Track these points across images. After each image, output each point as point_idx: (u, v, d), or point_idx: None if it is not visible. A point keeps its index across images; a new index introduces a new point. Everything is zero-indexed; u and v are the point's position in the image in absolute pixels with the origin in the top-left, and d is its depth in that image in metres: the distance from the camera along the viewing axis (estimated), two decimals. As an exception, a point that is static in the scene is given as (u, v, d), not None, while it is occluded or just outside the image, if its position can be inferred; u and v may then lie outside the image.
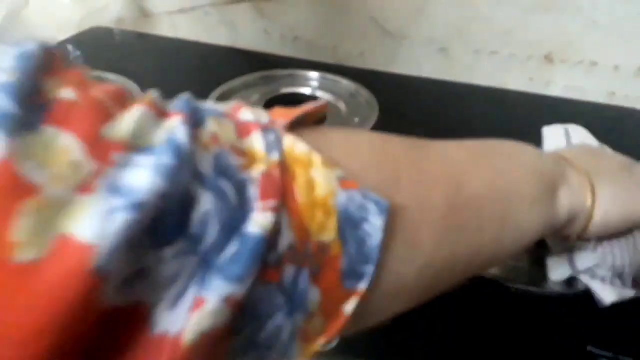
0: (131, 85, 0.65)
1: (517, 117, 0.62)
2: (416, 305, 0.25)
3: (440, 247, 0.24)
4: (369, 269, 0.19)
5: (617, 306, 0.36)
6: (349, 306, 0.20)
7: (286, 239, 0.17)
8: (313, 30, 0.79)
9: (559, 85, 0.71)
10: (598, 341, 0.34)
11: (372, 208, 0.19)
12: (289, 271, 0.18)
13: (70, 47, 0.78)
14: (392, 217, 0.20)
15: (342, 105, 0.64)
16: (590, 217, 0.31)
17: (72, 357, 0.14)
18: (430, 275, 0.24)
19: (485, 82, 0.69)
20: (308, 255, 0.18)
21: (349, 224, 0.19)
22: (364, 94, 0.65)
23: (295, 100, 0.61)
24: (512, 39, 0.70)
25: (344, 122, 0.60)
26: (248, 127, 0.19)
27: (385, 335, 0.37)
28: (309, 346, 0.20)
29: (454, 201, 0.24)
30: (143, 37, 0.86)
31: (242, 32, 0.84)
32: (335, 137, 0.23)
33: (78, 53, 0.77)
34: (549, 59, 0.70)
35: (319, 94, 0.66)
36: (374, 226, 0.19)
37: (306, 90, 0.67)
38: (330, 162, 0.19)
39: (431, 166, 0.25)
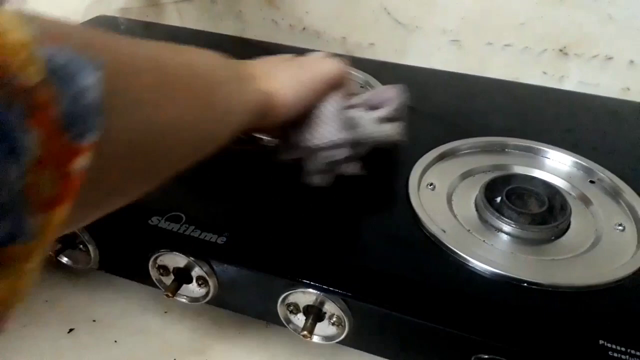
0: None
1: (530, 110, 0.61)
2: (149, 186, 0.29)
3: (155, 108, 0.26)
4: (92, 121, 0.20)
5: (629, 299, 0.37)
6: (79, 162, 0.19)
7: None
8: (322, 20, 0.78)
9: (573, 79, 0.69)
10: (610, 335, 0.33)
11: (84, 63, 0.20)
12: None
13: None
14: (108, 77, 0.21)
15: (351, 97, 0.63)
16: (275, 101, 0.38)
17: None
18: (153, 140, 0.26)
19: (498, 75, 0.68)
20: (11, 92, 0.17)
21: (59, 72, 0.19)
22: (374, 85, 0.63)
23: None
24: (526, 32, 0.68)
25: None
26: None
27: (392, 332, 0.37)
28: (48, 218, 0.19)
29: (159, 72, 0.28)
30: (149, 26, 0.85)
31: (250, 22, 0.83)
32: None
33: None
34: (563, 52, 0.68)
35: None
36: (90, 79, 0.20)
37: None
38: (25, 16, 0.19)
39: (133, 46, 0.28)
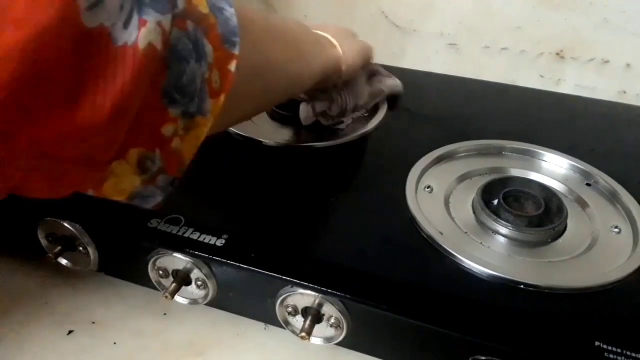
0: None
1: (527, 113, 0.61)
2: (262, 107, 0.43)
3: (268, 47, 0.35)
4: (237, 39, 0.28)
5: (625, 301, 0.37)
6: (232, 65, 0.28)
7: (181, 1, 0.25)
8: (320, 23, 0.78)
9: (569, 82, 0.70)
10: (606, 336, 0.34)
11: (224, 2, 0.29)
12: (190, 25, 0.26)
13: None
14: (238, 15, 0.29)
15: (349, 99, 0.63)
16: (344, 65, 0.46)
17: (53, 72, 0.20)
18: (263, 69, 0.35)
19: (494, 78, 0.68)
20: (197, 18, 0.26)
21: (215, 7, 0.28)
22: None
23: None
24: (522, 35, 0.69)
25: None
26: None
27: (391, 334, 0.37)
28: (215, 102, 0.28)
29: (266, 22, 0.36)
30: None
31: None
32: None
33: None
34: (560, 56, 0.69)
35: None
36: (230, 12, 0.28)
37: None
38: None
39: (255, 16, 0.35)
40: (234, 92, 0.29)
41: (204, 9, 0.27)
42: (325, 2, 0.76)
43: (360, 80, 0.53)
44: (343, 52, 0.47)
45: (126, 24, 0.22)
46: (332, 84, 0.49)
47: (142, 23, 0.23)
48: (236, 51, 0.28)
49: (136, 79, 0.22)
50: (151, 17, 0.23)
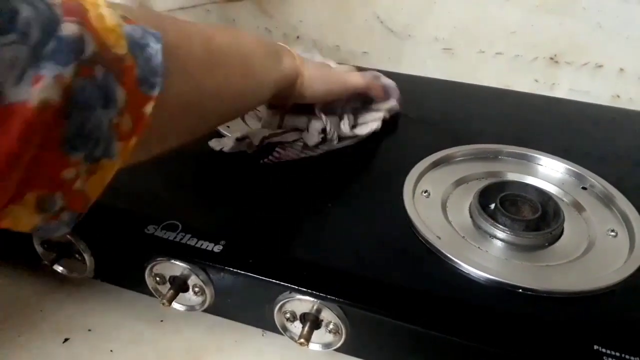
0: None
1: (522, 117, 0.61)
2: (196, 133, 0.38)
3: (204, 77, 0.34)
4: (158, 79, 0.27)
5: (622, 304, 0.37)
6: (148, 108, 0.27)
7: (90, 47, 0.24)
8: (316, 29, 0.79)
9: (563, 86, 0.70)
10: (604, 340, 0.34)
11: (151, 37, 0.28)
12: (99, 71, 0.25)
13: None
14: (166, 48, 0.28)
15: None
16: (302, 80, 0.46)
17: None
18: (202, 99, 0.34)
19: (489, 83, 0.68)
20: (110, 62, 0.25)
21: (136, 45, 0.27)
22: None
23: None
24: (517, 40, 0.69)
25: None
26: None
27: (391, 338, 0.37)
28: (125, 144, 0.27)
29: (207, 47, 0.35)
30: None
31: (244, 30, 0.83)
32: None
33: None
34: (554, 60, 0.69)
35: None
36: (155, 49, 0.27)
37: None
38: (112, 5, 0.27)
39: (187, 25, 0.35)
40: (156, 130, 0.29)
41: (120, 49, 0.26)
42: (320, 8, 0.76)
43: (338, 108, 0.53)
44: (308, 73, 0.46)
45: (18, 81, 0.22)
46: (291, 101, 0.48)
47: (36, 79, 0.22)
48: (155, 92, 0.27)
49: (24, 138, 0.22)
50: (48, 72, 0.22)
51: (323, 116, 0.51)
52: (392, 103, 0.58)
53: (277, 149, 0.50)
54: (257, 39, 0.42)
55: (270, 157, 0.49)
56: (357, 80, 0.52)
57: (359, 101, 0.56)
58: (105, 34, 0.25)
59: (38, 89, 0.22)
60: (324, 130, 0.51)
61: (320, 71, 0.48)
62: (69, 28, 0.23)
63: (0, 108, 0.21)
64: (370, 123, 0.55)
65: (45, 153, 0.24)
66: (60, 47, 0.23)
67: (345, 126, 0.53)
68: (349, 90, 0.52)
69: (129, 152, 0.28)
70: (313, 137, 0.51)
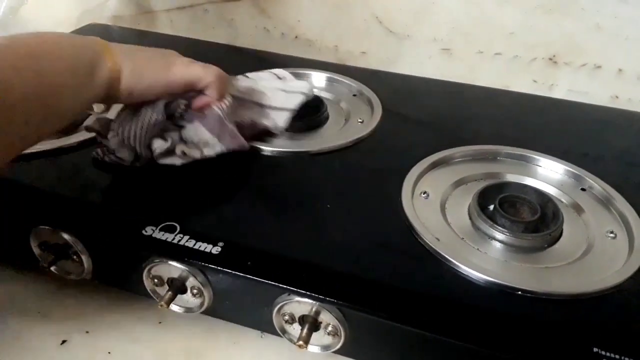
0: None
1: (521, 118, 0.61)
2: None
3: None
4: None
5: (622, 306, 0.37)
6: None
7: None
8: (314, 29, 0.78)
9: (562, 87, 0.70)
10: (603, 342, 0.34)
11: None
12: None
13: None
14: None
15: (344, 105, 0.63)
16: (119, 84, 0.42)
17: None
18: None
19: (488, 83, 0.68)
20: None
21: None
22: (366, 93, 0.64)
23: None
24: (516, 41, 0.69)
25: (345, 122, 0.59)
26: None
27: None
28: None
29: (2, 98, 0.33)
30: (141, 34, 0.85)
31: (242, 30, 0.83)
32: None
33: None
34: (552, 61, 0.69)
35: (321, 93, 0.65)
36: None
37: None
38: None
39: None
40: None
41: None
42: (319, 8, 0.76)
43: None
44: (126, 76, 0.42)
45: None
46: (111, 104, 0.46)
47: None
48: None
49: None
50: None
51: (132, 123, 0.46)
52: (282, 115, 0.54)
53: (97, 149, 0.48)
54: (68, 59, 0.39)
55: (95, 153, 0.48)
56: (185, 72, 0.46)
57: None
58: None
59: None
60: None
61: (139, 68, 0.44)
62: None
63: None
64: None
65: None
66: None
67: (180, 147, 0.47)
68: (173, 87, 0.46)
69: None
70: (119, 150, 0.46)
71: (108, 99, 0.43)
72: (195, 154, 0.47)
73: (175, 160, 0.47)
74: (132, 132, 0.45)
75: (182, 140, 0.48)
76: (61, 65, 0.38)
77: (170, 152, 0.47)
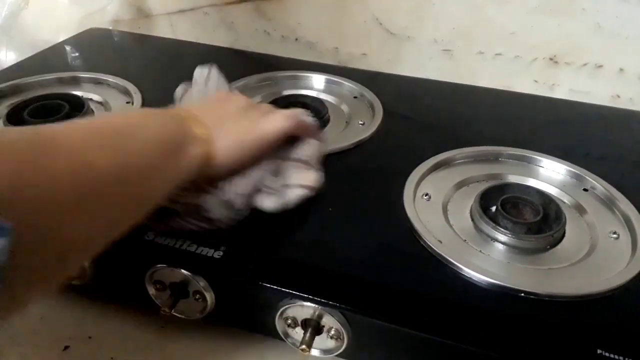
0: (129, 86, 0.64)
1: (522, 119, 0.61)
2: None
3: (75, 228, 0.28)
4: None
5: (625, 307, 0.37)
6: None
7: None
8: (314, 31, 0.78)
9: (563, 87, 0.70)
10: (607, 344, 0.34)
11: None
12: None
13: (68, 48, 0.77)
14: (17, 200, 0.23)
15: (345, 107, 0.63)
16: (213, 162, 0.39)
17: None
18: (72, 260, 0.29)
19: (489, 84, 0.68)
20: None
21: None
22: (367, 95, 0.64)
23: (298, 102, 0.60)
24: (516, 41, 0.69)
25: (346, 124, 0.59)
26: None
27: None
28: None
29: (82, 189, 0.28)
30: (142, 38, 0.85)
31: (242, 33, 0.83)
32: None
33: (76, 54, 0.76)
34: (553, 61, 0.69)
35: (322, 95, 0.65)
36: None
37: (308, 92, 0.66)
38: None
39: (56, 162, 0.27)
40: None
41: None
42: (319, 10, 0.76)
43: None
44: (218, 147, 0.39)
45: None
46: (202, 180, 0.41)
47: None
48: None
49: None
50: None
51: (227, 189, 0.41)
52: (319, 145, 0.47)
53: (175, 217, 0.41)
54: (153, 139, 0.35)
55: (162, 225, 0.41)
56: (278, 124, 0.43)
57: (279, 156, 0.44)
58: None
59: None
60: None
61: (233, 136, 0.41)
62: None
63: None
64: (296, 189, 0.43)
65: None
66: None
67: (263, 200, 0.43)
68: (270, 142, 0.42)
69: None
70: (215, 211, 0.41)
71: (200, 178, 0.39)
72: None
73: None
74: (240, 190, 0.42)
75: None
76: (148, 146, 0.34)
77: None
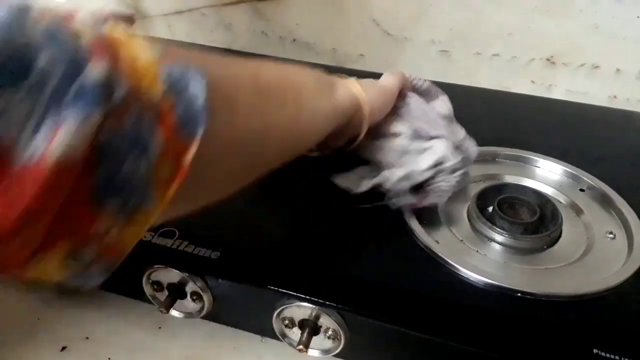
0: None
1: (519, 119, 0.61)
2: (245, 181, 0.33)
3: (252, 116, 0.31)
4: (199, 123, 0.24)
5: (622, 307, 0.37)
6: (188, 155, 0.24)
7: (121, 89, 0.21)
8: (312, 32, 0.78)
9: (561, 88, 0.70)
10: (604, 343, 0.34)
11: (193, 77, 0.25)
12: (131, 115, 0.22)
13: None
14: (210, 87, 0.25)
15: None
16: (363, 105, 0.42)
17: None
18: (248, 141, 0.31)
19: (486, 85, 0.68)
20: (144, 105, 0.23)
21: (175, 86, 0.24)
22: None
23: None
24: (513, 42, 0.69)
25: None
26: (71, 14, 0.22)
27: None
28: (163, 193, 0.24)
29: (254, 84, 0.32)
30: (139, 39, 0.85)
31: (240, 34, 0.83)
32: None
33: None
34: (551, 61, 0.69)
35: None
36: (197, 90, 0.24)
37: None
38: (146, 43, 0.24)
39: (232, 62, 0.32)
40: (197, 177, 0.26)
41: (157, 91, 0.23)
42: (317, 11, 0.76)
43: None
44: (364, 94, 0.42)
45: (35, 132, 0.19)
46: (351, 132, 0.44)
47: (56, 129, 0.20)
48: (196, 137, 0.25)
49: (42, 196, 0.20)
50: (71, 119, 0.20)
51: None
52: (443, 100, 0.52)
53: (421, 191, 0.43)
54: (307, 71, 0.39)
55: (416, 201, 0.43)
56: (392, 77, 0.48)
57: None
58: (139, 73, 0.23)
59: (59, 139, 0.20)
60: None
61: (377, 93, 0.45)
62: (96, 69, 0.21)
63: (12, 169, 0.19)
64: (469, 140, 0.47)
65: (72, 206, 0.21)
66: (84, 91, 0.20)
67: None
68: (394, 95, 0.47)
69: (167, 202, 0.25)
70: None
71: (342, 127, 0.42)
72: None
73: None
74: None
75: None
76: (299, 71, 0.38)
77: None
